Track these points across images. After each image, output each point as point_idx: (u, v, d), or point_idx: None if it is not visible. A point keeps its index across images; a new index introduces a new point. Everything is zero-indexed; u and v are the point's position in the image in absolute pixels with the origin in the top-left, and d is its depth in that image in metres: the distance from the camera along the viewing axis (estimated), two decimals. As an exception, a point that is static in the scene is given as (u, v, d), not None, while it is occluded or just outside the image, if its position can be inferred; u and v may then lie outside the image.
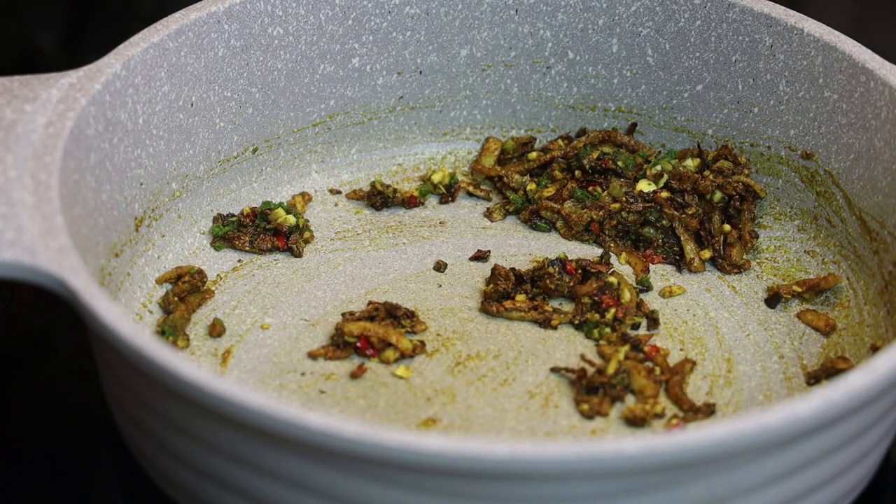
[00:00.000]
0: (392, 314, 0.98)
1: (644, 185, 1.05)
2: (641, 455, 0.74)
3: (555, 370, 0.95)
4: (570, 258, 1.02)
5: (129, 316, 0.94)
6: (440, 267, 1.03)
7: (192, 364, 0.77)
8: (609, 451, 0.74)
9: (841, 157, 1.03)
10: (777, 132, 1.07)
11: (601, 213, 1.05)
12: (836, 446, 0.82)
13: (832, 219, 1.04)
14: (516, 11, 1.10)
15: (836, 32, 1.03)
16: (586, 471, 0.75)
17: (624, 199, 1.04)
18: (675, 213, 1.04)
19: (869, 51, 1.01)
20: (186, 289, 0.99)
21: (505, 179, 1.09)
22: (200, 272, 1.00)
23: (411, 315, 0.98)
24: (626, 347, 0.96)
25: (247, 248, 1.03)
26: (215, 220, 1.04)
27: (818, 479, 0.83)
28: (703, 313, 1.01)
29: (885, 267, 0.99)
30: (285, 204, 1.05)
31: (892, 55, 1.03)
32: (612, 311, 0.98)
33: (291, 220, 1.04)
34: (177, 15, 1.01)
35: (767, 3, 1.06)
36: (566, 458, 0.74)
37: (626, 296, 0.99)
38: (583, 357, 0.96)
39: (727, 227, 1.04)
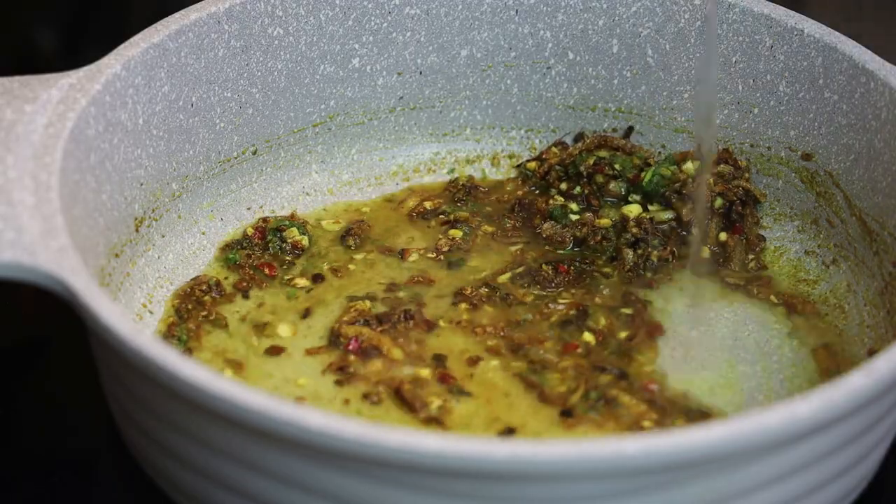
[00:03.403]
0: (388, 320, 0.97)
1: (634, 210, 1.04)
2: (642, 455, 0.74)
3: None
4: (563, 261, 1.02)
5: (129, 316, 0.94)
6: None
7: (191, 364, 0.77)
8: (609, 451, 0.74)
9: (841, 158, 1.03)
10: (777, 133, 1.07)
11: (584, 230, 1.04)
12: (837, 447, 0.82)
13: (832, 219, 1.04)
14: (516, 12, 1.10)
15: (837, 33, 1.03)
16: (586, 471, 0.75)
17: (632, 223, 1.03)
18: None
19: (869, 52, 1.01)
20: (201, 296, 0.99)
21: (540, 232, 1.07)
22: (218, 283, 1.00)
23: (411, 316, 0.98)
24: (609, 378, 0.95)
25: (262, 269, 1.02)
26: (222, 250, 1.03)
27: (818, 479, 0.83)
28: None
29: (885, 268, 0.99)
30: (295, 222, 1.05)
31: (893, 56, 1.03)
32: (591, 337, 0.97)
33: (305, 241, 1.04)
34: (177, 15, 1.01)
35: (767, 4, 1.06)
36: (566, 458, 0.74)
37: (601, 321, 0.99)
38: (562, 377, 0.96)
39: (723, 235, 1.04)
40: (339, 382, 0.93)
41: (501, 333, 0.97)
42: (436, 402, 0.92)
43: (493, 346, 0.96)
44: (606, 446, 0.74)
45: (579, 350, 0.96)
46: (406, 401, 0.92)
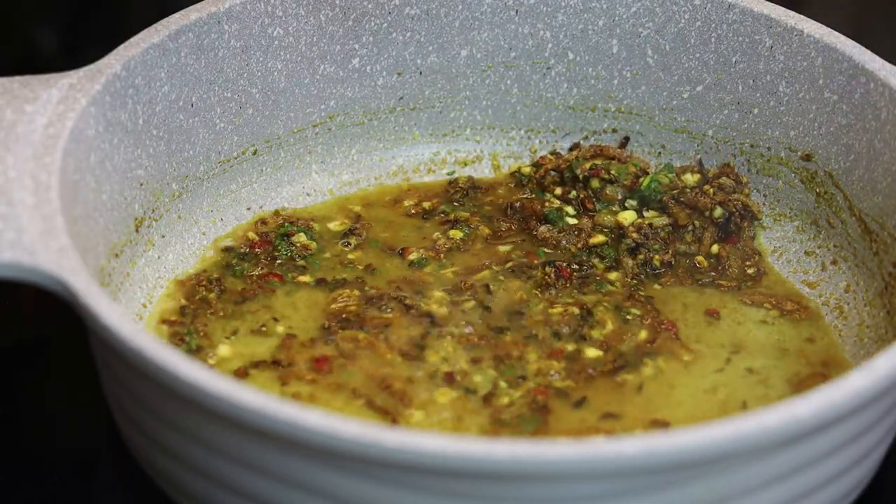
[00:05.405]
0: (374, 303, 0.97)
1: (629, 216, 1.04)
2: (642, 455, 0.74)
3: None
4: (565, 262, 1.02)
5: (128, 316, 0.94)
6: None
7: (191, 364, 0.77)
8: (609, 451, 0.74)
9: (841, 158, 1.03)
10: (777, 133, 1.07)
11: (580, 242, 1.04)
12: (837, 447, 0.82)
13: (832, 220, 1.04)
14: (516, 12, 1.10)
15: (836, 33, 1.03)
16: (586, 471, 0.75)
17: (631, 228, 1.03)
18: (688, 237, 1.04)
19: (869, 52, 1.02)
20: (203, 294, 0.99)
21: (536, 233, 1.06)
22: (219, 279, 1.00)
23: (408, 307, 0.98)
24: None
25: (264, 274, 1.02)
26: (225, 262, 1.03)
27: (818, 479, 0.83)
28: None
29: (885, 268, 0.99)
30: (301, 227, 1.04)
31: (892, 56, 1.03)
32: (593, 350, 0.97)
33: (314, 245, 1.03)
34: (177, 15, 1.01)
35: (767, 4, 1.06)
36: (566, 459, 0.74)
37: (609, 326, 0.98)
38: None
39: (715, 247, 1.04)
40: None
41: (491, 336, 0.97)
42: (417, 413, 0.92)
43: (481, 349, 0.96)
44: (606, 446, 0.74)
45: (564, 355, 0.96)
46: (385, 408, 0.92)
